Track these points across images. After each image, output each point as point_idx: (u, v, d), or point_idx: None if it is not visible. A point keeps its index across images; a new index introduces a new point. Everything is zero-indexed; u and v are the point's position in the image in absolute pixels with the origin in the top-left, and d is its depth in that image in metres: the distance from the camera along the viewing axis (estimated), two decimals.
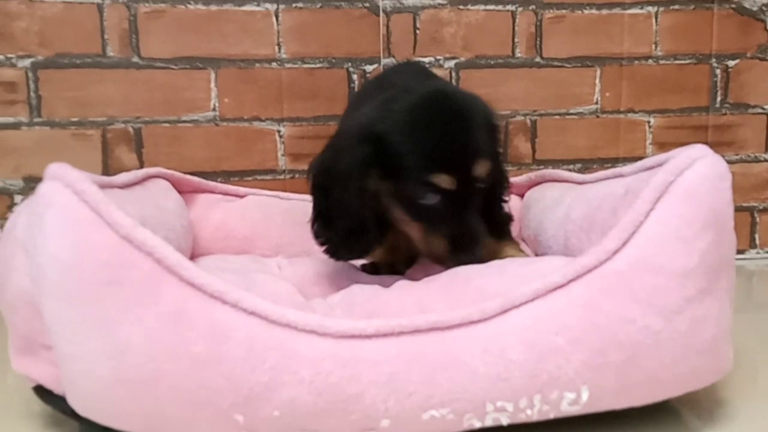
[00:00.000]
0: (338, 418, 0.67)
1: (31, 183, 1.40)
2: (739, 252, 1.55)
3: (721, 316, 0.73)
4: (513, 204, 1.26)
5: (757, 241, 1.60)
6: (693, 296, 0.71)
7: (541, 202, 1.16)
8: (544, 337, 0.68)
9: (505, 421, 0.69)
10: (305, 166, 1.01)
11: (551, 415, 0.70)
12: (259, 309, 0.67)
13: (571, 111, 1.52)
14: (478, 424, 0.69)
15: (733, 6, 1.52)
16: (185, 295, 0.66)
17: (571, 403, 0.69)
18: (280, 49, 1.44)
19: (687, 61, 1.53)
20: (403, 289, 0.88)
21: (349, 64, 1.45)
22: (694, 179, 0.72)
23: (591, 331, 0.69)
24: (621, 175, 0.93)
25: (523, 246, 1.15)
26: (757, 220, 1.59)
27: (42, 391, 0.77)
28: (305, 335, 0.67)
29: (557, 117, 1.52)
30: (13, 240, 0.74)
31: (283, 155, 1.46)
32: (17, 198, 1.40)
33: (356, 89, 1.46)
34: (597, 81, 1.52)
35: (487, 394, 0.67)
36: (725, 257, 0.75)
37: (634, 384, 0.70)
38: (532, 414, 0.69)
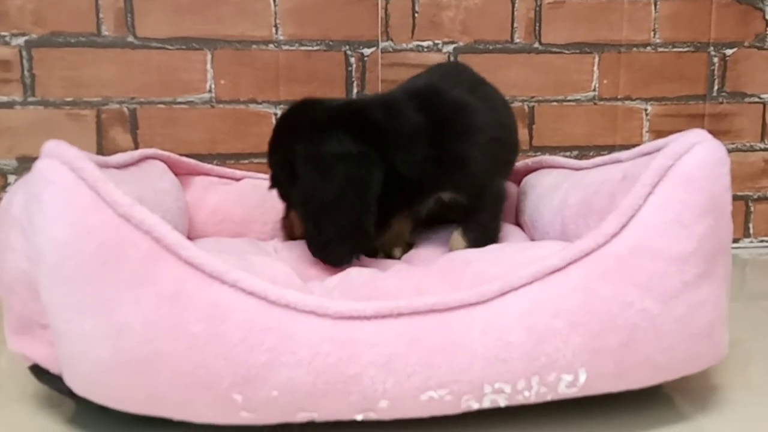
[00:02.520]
0: (336, 399, 0.67)
1: (25, 163, 1.39)
2: (734, 241, 1.56)
3: (718, 302, 0.74)
4: (509, 190, 1.27)
5: (752, 230, 1.61)
6: (690, 281, 0.71)
7: (537, 188, 1.16)
8: (543, 320, 0.69)
9: (502, 403, 0.70)
10: None
11: (549, 398, 0.70)
12: (257, 289, 0.67)
13: (569, 98, 1.52)
14: (476, 406, 0.69)
15: None
16: (184, 274, 0.66)
17: (568, 386, 0.70)
18: (277, 31, 1.43)
19: (685, 50, 1.53)
20: (401, 272, 0.88)
21: (347, 47, 1.45)
22: (693, 164, 0.72)
23: (589, 315, 0.69)
24: (619, 161, 0.94)
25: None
26: (752, 209, 1.60)
27: (38, 371, 0.76)
28: (304, 316, 0.67)
29: (555, 104, 1.52)
30: (9, 219, 0.73)
31: None
32: (11, 178, 1.39)
33: (354, 73, 1.45)
34: (595, 68, 1.51)
35: (485, 376, 0.68)
36: (723, 243, 0.75)
37: (630, 367, 0.71)
38: (530, 396, 0.69)
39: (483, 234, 1.05)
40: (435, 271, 0.85)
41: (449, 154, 1.00)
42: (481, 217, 1.06)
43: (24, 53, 1.36)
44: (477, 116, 1.05)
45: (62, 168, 0.66)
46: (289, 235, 1.09)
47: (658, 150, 0.77)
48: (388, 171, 0.97)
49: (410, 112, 1.00)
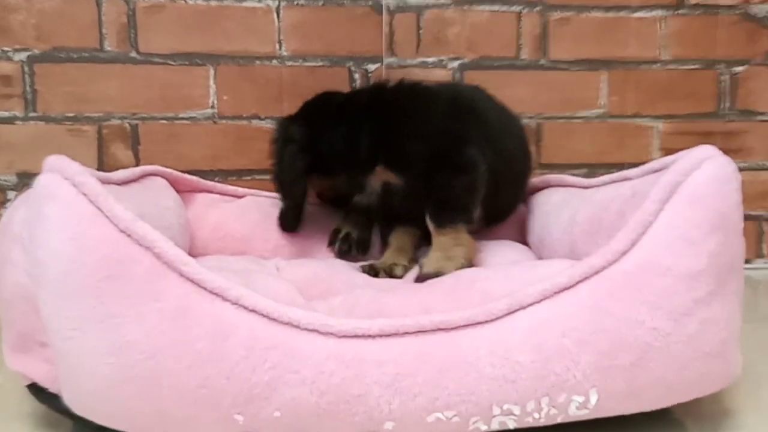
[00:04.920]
0: (341, 420, 0.66)
1: (25, 179, 1.38)
2: (746, 262, 1.54)
3: (730, 320, 0.73)
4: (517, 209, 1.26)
5: (764, 251, 1.59)
6: (701, 298, 0.70)
7: (545, 206, 1.16)
8: (551, 339, 0.68)
9: (512, 425, 0.68)
10: None
11: (559, 420, 0.69)
12: (259, 306, 0.67)
13: (577, 115, 1.51)
14: (484, 428, 0.68)
15: (740, 12, 1.52)
16: (186, 291, 0.66)
17: (579, 407, 0.68)
18: (280, 46, 1.42)
19: (693, 67, 1.53)
20: (405, 291, 0.88)
21: (351, 63, 1.44)
22: (702, 180, 0.72)
23: (599, 333, 0.68)
24: (627, 178, 0.93)
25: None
26: (764, 229, 1.59)
27: (37, 390, 0.76)
28: (307, 334, 0.67)
29: (563, 121, 1.51)
30: (9, 235, 0.73)
31: None
32: (10, 194, 1.39)
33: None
34: (603, 85, 1.51)
35: (493, 396, 0.67)
36: (734, 260, 0.74)
37: (642, 387, 0.70)
38: (540, 417, 0.68)
39: (453, 218, 1.02)
40: (441, 289, 0.84)
41: (384, 129, 1.07)
42: (441, 195, 1.03)
43: (26, 68, 1.36)
44: (420, 97, 1.11)
45: (64, 183, 0.65)
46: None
47: (666, 167, 0.77)
48: (331, 150, 1.10)
49: (362, 94, 1.16)
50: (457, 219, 1.01)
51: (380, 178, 1.09)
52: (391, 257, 1.10)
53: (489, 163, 1.06)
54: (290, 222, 1.15)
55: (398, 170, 1.06)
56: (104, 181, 0.82)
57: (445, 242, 1.00)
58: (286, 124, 1.17)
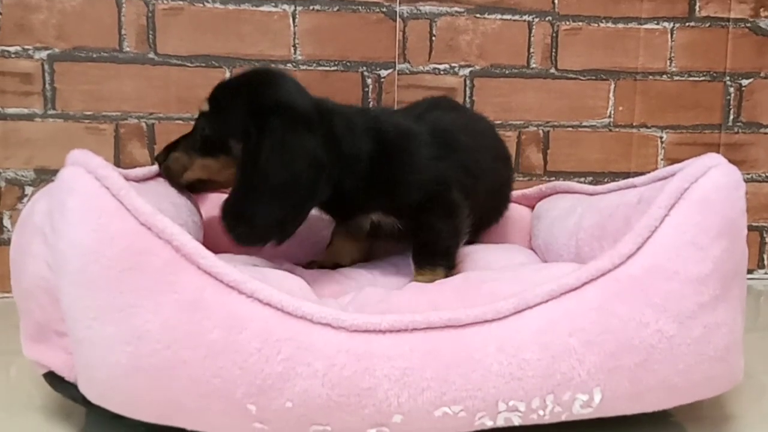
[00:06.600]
0: (350, 412, 0.67)
1: (43, 175, 1.40)
2: (748, 272, 1.54)
3: (734, 325, 0.74)
4: (522, 214, 1.27)
5: (766, 261, 1.60)
6: (707, 303, 0.71)
7: (552, 212, 1.17)
8: (558, 338, 0.69)
9: (516, 422, 0.69)
10: None
11: (563, 417, 0.70)
12: (274, 300, 0.68)
13: (584, 124, 1.52)
14: (489, 423, 0.69)
15: (748, 25, 1.53)
16: (203, 283, 0.67)
17: (583, 406, 0.69)
18: (295, 50, 1.44)
19: (701, 79, 1.54)
20: (415, 290, 0.88)
21: (364, 68, 1.46)
22: (709, 187, 0.73)
23: (605, 334, 0.69)
24: (633, 186, 0.94)
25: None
26: (767, 240, 1.59)
27: (53, 378, 0.77)
28: (320, 328, 0.68)
29: (570, 129, 1.52)
30: (30, 227, 0.74)
31: None
32: (28, 189, 1.40)
33: (370, 93, 1.47)
34: (611, 95, 1.52)
35: (499, 393, 0.68)
36: (738, 266, 0.75)
37: (646, 388, 0.71)
38: (544, 415, 0.69)
39: (433, 261, 1.03)
40: (449, 289, 0.85)
41: (380, 178, 1.01)
42: (425, 238, 1.04)
43: (46, 67, 1.38)
44: (410, 142, 1.05)
45: (87, 176, 0.67)
46: (178, 173, 1.03)
47: (673, 175, 0.78)
48: (334, 185, 0.99)
49: (362, 137, 1.02)
50: (437, 262, 1.02)
51: (371, 219, 1.07)
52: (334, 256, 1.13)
53: (469, 186, 1.07)
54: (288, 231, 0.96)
55: (394, 215, 1.04)
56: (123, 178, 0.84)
57: (421, 281, 1.00)
58: (313, 136, 0.96)
